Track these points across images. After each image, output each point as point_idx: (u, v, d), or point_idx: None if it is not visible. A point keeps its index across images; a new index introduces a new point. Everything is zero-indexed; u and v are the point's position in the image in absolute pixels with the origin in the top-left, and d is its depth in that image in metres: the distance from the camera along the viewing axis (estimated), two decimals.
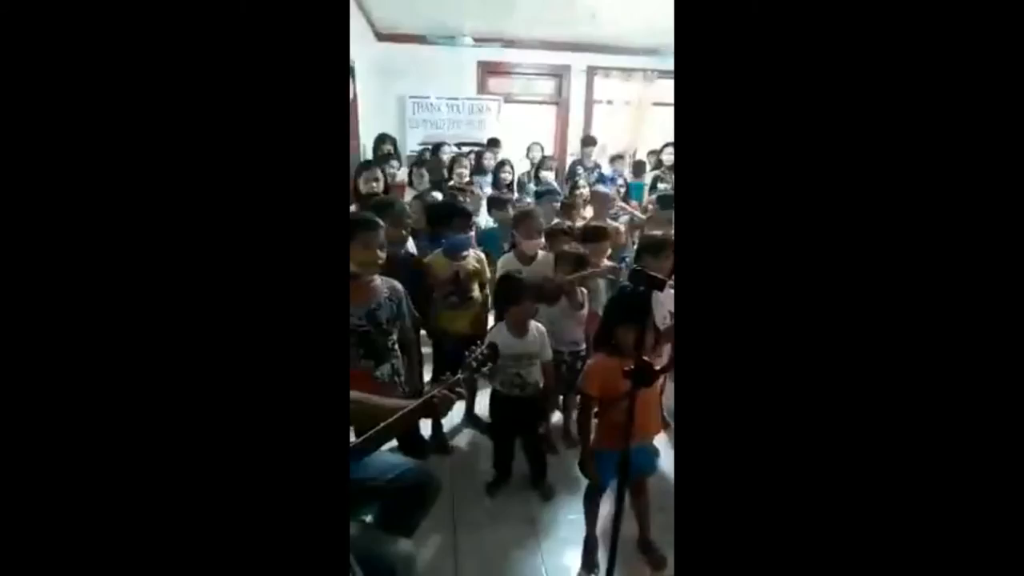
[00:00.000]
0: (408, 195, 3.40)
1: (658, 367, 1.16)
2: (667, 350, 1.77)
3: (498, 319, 2.03)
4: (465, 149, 4.43)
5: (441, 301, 2.20)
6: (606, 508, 1.75)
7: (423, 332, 2.24)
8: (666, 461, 1.89)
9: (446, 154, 4.19)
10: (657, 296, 1.17)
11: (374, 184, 2.75)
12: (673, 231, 2.61)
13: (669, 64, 5.34)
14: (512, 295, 1.94)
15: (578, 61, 5.50)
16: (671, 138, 4.68)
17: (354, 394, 1.15)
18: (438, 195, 3.15)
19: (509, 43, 5.26)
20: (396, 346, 1.80)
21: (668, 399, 2.10)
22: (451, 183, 3.50)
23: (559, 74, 5.61)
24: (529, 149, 4.75)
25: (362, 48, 4.22)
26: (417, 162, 3.92)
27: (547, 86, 5.76)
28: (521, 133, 5.13)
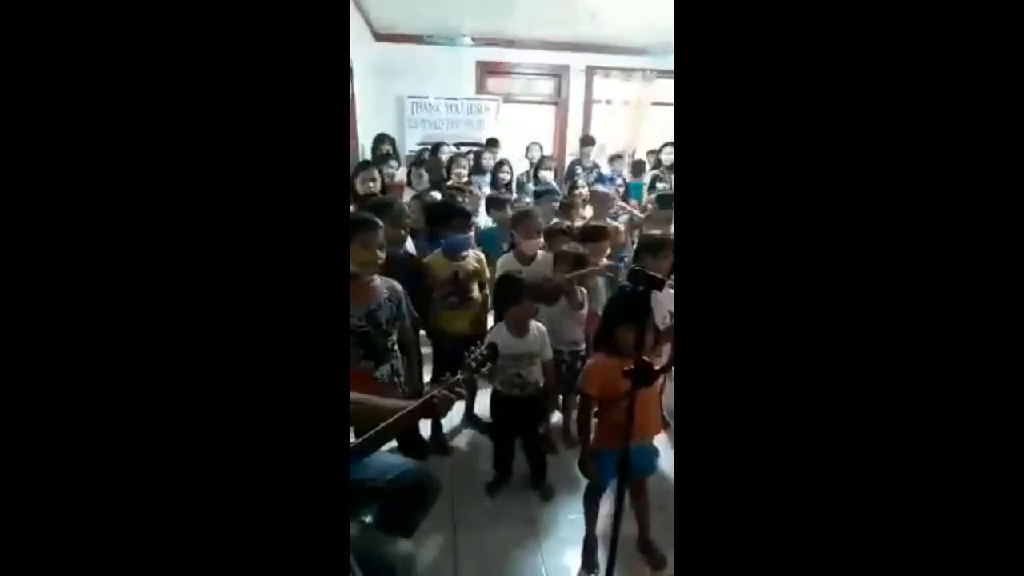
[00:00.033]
0: (407, 195, 3.40)
1: (657, 367, 1.16)
2: (667, 350, 1.77)
3: (497, 319, 2.03)
4: (464, 149, 4.43)
5: (440, 301, 2.19)
6: (606, 508, 1.75)
7: (422, 332, 2.23)
8: (666, 461, 1.89)
9: (445, 154, 4.19)
10: (656, 296, 1.17)
11: (371, 184, 2.74)
12: (671, 230, 2.61)
13: (668, 64, 5.35)
14: (512, 295, 1.94)
15: (577, 61, 5.50)
16: (670, 138, 4.68)
17: (354, 395, 1.15)
18: (437, 195, 3.15)
19: (508, 43, 5.26)
20: (396, 347, 1.80)
21: (668, 399, 2.10)
22: (450, 183, 3.50)
23: (558, 74, 5.61)
24: (528, 149, 4.74)
25: (360, 48, 4.22)
26: (416, 162, 3.92)
27: (546, 86, 5.75)
28: (520, 133, 5.12)
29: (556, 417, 2.45)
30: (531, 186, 4.09)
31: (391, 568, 1.18)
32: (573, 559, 1.74)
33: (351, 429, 1.24)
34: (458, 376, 1.35)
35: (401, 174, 3.88)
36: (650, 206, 3.59)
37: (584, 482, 1.73)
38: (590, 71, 5.57)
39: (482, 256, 2.35)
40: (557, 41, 5.23)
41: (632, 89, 5.64)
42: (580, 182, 3.48)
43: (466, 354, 1.42)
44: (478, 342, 1.47)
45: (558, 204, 3.14)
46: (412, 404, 1.28)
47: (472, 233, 2.41)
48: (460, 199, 2.89)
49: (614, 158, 4.75)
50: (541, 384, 1.99)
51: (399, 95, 5.16)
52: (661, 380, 1.58)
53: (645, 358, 1.13)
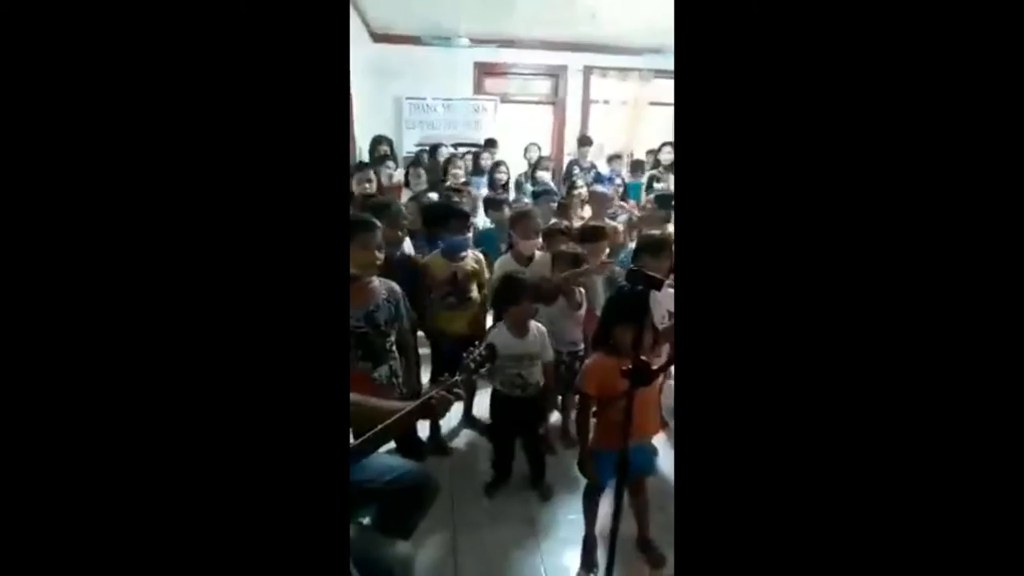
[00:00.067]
0: (405, 196, 3.40)
1: (656, 366, 1.16)
2: (666, 350, 1.77)
3: (496, 320, 2.03)
4: (462, 150, 4.42)
5: (439, 302, 2.19)
6: (605, 508, 1.75)
7: (420, 333, 2.23)
8: (665, 461, 1.89)
9: (443, 155, 4.19)
10: (655, 296, 1.17)
11: (367, 185, 2.74)
12: (669, 229, 2.61)
13: (665, 64, 5.35)
14: (513, 295, 1.94)
15: (575, 61, 5.50)
16: (668, 137, 4.68)
17: (352, 396, 1.14)
18: (434, 196, 3.15)
19: (505, 43, 5.26)
20: (394, 348, 1.79)
21: (667, 399, 2.10)
22: (447, 184, 3.50)
23: (555, 74, 5.61)
24: (526, 149, 4.74)
25: (357, 49, 4.22)
26: (414, 163, 3.92)
27: (543, 86, 5.75)
28: (518, 133, 5.12)
29: (555, 417, 2.45)
30: (529, 186, 4.09)
31: (389, 570, 1.18)
32: (572, 559, 1.74)
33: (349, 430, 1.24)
34: (456, 377, 1.34)
35: (399, 175, 3.88)
36: (649, 206, 3.58)
37: (583, 482, 1.73)
38: (587, 71, 5.57)
39: (481, 257, 2.34)
40: (554, 41, 5.24)
41: (630, 89, 5.64)
42: (579, 182, 3.48)
43: (464, 355, 1.41)
44: (476, 343, 1.47)
45: (556, 204, 3.14)
46: (410, 405, 1.28)
47: (471, 234, 2.41)
48: (458, 200, 2.89)
49: (613, 158, 4.75)
50: (541, 384, 1.99)
51: (396, 96, 5.15)
52: (660, 380, 1.57)
53: (643, 358, 1.13)
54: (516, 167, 4.43)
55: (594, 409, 1.64)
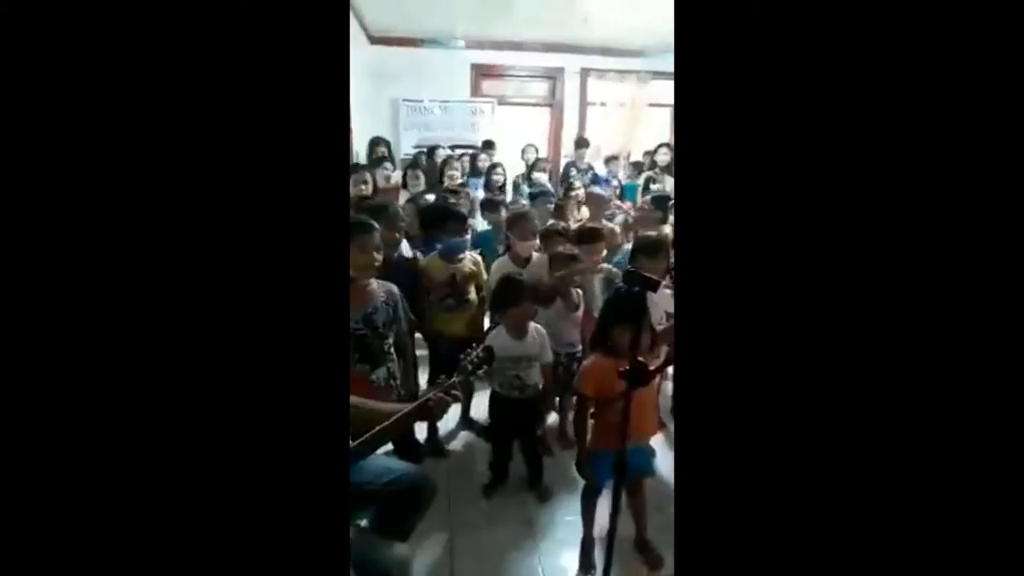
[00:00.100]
0: (402, 198, 3.40)
1: (653, 367, 1.16)
2: (663, 351, 1.77)
3: (493, 321, 2.03)
4: (459, 152, 4.43)
5: (437, 304, 2.19)
6: (603, 509, 1.75)
7: (418, 335, 2.23)
8: (663, 462, 1.89)
9: (440, 157, 4.19)
10: (652, 297, 1.17)
11: (363, 187, 2.74)
12: (664, 230, 2.62)
13: (662, 65, 5.37)
14: (512, 296, 1.94)
15: (571, 63, 5.51)
16: (665, 139, 4.69)
17: (350, 398, 1.14)
18: (431, 198, 3.15)
19: (502, 45, 5.27)
20: (392, 350, 1.79)
21: (664, 400, 2.10)
22: (445, 186, 3.50)
23: (553, 76, 5.62)
24: (524, 151, 4.75)
25: (354, 51, 4.16)
26: (412, 165, 3.92)
27: (541, 88, 5.77)
28: (515, 135, 5.13)
29: (552, 418, 2.45)
30: (526, 188, 4.09)
31: (387, 571, 1.18)
32: (570, 560, 1.74)
33: None
34: (454, 379, 1.34)
35: (397, 177, 3.88)
36: (645, 207, 3.59)
37: (581, 483, 1.73)
38: (584, 73, 5.59)
39: (479, 258, 2.35)
40: (551, 43, 5.25)
41: (627, 91, 5.65)
42: (576, 184, 3.48)
43: (462, 357, 1.41)
44: (474, 344, 1.47)
45: (553, 206, 3.15)
46: (408, 407, 1.28)
47: (468, 236, 2.41)
48: (455, 202, 2.89)
49: (610, 159, 4.76)
50: (540, 386, 1.99)
51: (394, 98, 5.16)
52: (657, 381, 1.57)
53: (640, 359, 1.14)
54: (513, 169, 4.44)
55: (592, 410, 1.64)
